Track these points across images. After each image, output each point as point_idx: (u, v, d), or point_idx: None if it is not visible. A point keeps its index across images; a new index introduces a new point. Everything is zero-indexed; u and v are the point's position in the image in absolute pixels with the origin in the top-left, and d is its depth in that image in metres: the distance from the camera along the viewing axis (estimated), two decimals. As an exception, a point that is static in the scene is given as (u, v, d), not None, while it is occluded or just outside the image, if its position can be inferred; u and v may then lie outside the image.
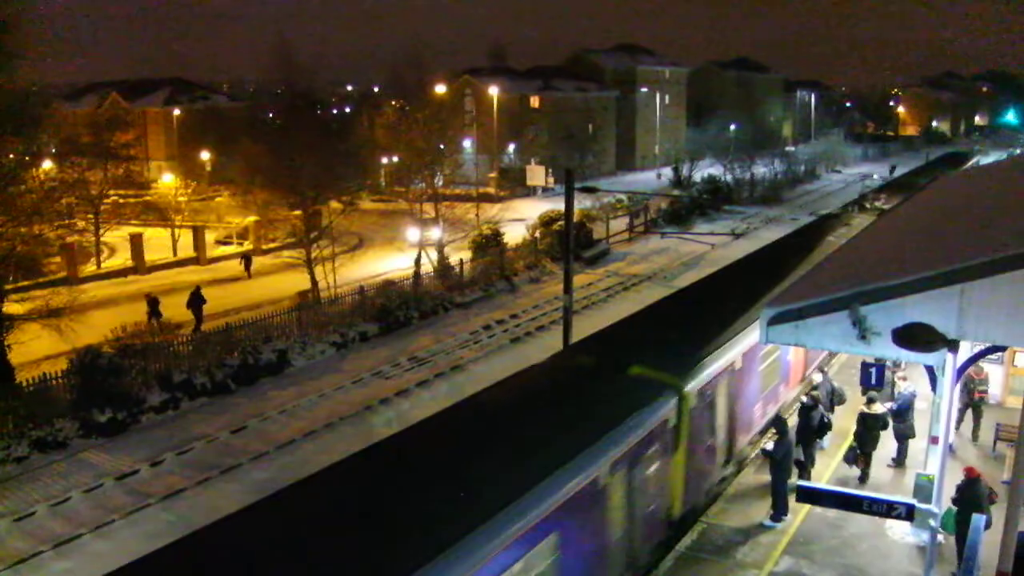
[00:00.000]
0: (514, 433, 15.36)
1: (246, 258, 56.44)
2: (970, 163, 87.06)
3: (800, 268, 27.13)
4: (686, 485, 18.44)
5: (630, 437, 15.73)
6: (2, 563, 21.41)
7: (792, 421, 22.24)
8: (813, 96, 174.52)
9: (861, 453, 21.76)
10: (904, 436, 22.50)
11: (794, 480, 20.33)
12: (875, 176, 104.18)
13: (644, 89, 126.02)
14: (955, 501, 17.63)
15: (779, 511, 20.23)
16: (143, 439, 29.20)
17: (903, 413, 22.37)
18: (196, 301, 41.22)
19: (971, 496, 17.25)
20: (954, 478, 17.93)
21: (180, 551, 12.23)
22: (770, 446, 20.81)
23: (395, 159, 58.09)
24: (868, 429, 21.52)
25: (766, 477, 21.20)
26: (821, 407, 22.05)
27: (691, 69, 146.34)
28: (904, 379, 24.05)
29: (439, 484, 13.35)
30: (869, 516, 16.16)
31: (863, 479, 21.75)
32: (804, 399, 22.49)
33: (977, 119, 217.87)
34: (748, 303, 23.31)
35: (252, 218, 60.11)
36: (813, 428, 21.57)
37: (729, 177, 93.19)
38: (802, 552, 18.74)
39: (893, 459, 22.75)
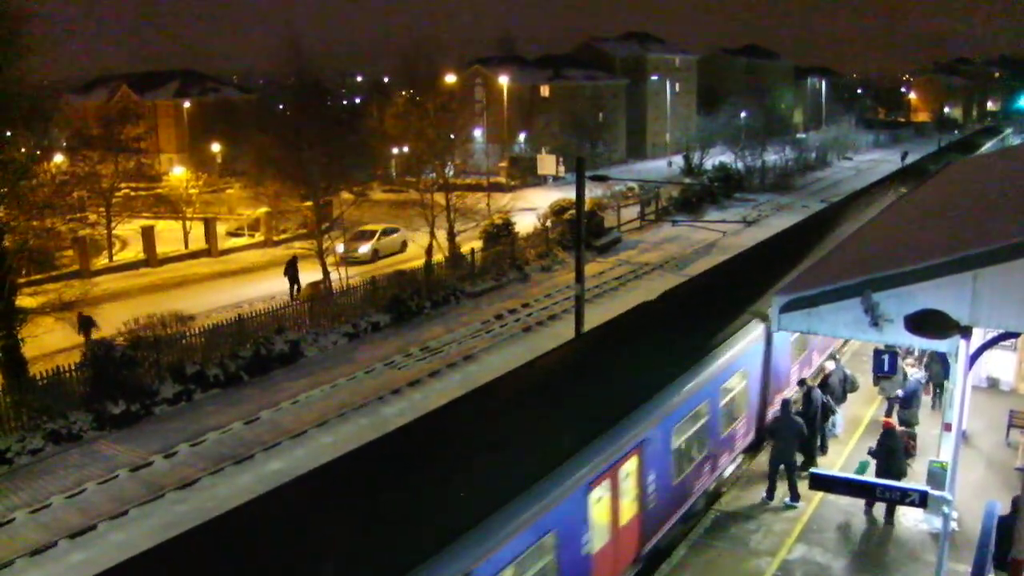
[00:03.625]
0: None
1: (85, 322, 35.76)
2: (1000, 136, 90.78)
3: (812, 255, 27.05)
4: None
5: None
6: (19, 553, 21.56)
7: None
8: (824, 83, 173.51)
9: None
10: (909, 423, 22.46)
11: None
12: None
13: (654, 77, 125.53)
14: (873, 453, 19.35)
15: (770, 493, 20.53)
16: (156, 431, 29.33)
17: (909, 400, 22.35)
18: (292, 270, 45.06)
19: (890, 446, 18.91)
20: (967, 465, 17.92)
21: (198, 539, 12.39)
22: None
23: (405, 149, 58.04)
24: None
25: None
26: (818, 390, 21.99)
27: (701, 56, 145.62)
28: (912, 365, 24.03)
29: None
30: (882, 503, 16.14)
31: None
32: (803, 384, 22.53)
33: (989, 104, 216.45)
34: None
35: (263, 209, 60.15)
36: (816, 411, 21.48)
37: (740, 165, 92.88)
38: (815, 540, 18.72)
39: None
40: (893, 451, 19.20)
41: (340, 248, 52.00)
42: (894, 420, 21.34)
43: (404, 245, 57.29)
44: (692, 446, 18.87)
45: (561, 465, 14.21)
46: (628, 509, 16.37)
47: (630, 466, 16.16)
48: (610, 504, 15.70)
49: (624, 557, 16.49)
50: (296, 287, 45.18)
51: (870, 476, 19.34)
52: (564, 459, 14.37)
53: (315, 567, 11.29)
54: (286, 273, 45.56)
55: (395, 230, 58.15)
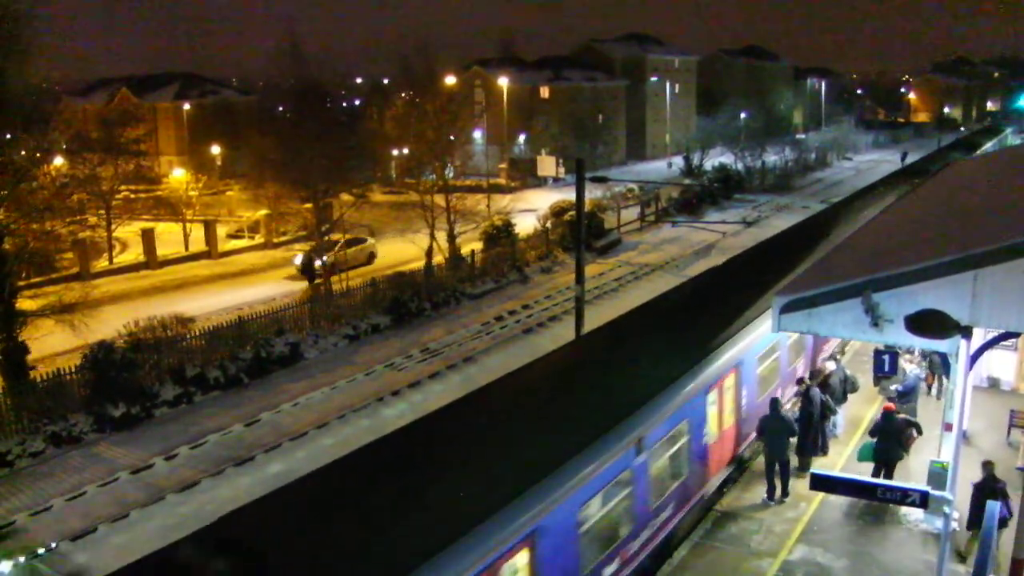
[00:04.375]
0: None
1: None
2: (1000, 136, 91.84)
3: (812, 255, 27.14)
4: None
5: None
6: (20, 556, 21.55)
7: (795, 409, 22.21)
8: (823, 83, 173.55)
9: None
10: (907, 418, 22.46)
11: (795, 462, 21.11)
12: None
13: (654, 78, 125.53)
14: (871, 432, 20.66)
15: (770, 493, 20.59)
16: (157, 433, 29.33)
17: (907, 395, 22.36)
18: (309, 266, 46.74)
19: (886, 429, 20.01)
20: (968, 465, 17.89)
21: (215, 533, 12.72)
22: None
23: (405, 151, 58.06)
24: None
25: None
26: (817, 389, 21.97)
27: (701, 58, 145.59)
28: (910, 362, 24.02)
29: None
30: (883, 503, 16.14)
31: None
32: (801, 383, 22.52)
33: (989, 105, 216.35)
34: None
35: (263, 212, 60.15)
36: (815, 410, 21.45)
37: (740, 165, 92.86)
38: (816, 540, 18.71)
39: None
40: (889, 434, 19.96)
41: (297, 259, 51.21)
42: (892, 404, 21.62)
43: (371, 257, 55.59)
44: (770, 373, 22.92)
45: (690, 370, 18.43)
46: (729, 416, 20.59)
47: (730, 381, 20.29)
48: (719, 408, 19.88)
49: (726, 455, 20.68)
50: (312, 282, 45.58)
51: (869, 474, 19.38)
52: (690, 367, 18.52)
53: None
54: (303, 270, 46.10)
55: (361, 240, 55.84)
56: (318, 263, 50.58)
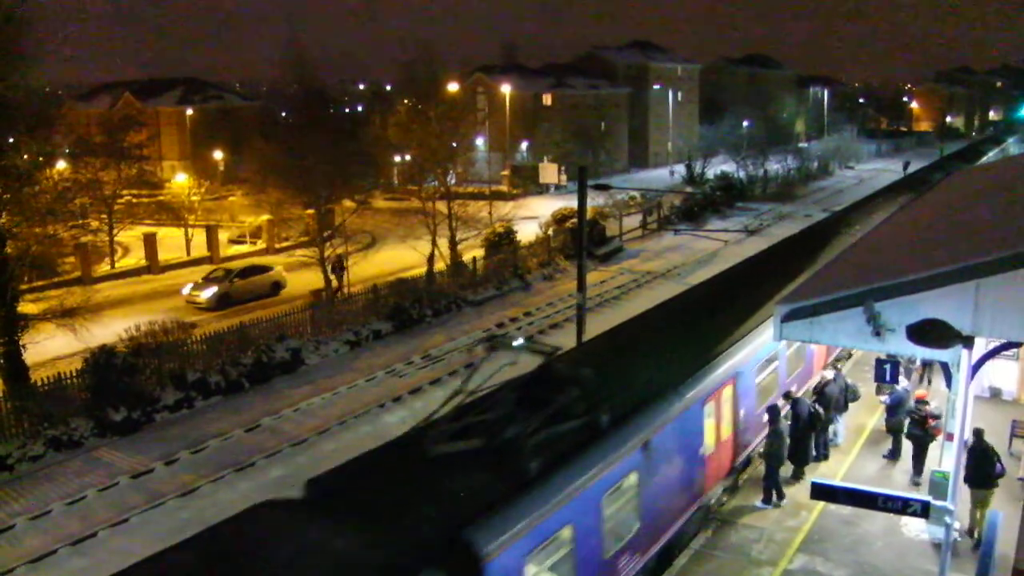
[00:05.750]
0: None
1: None
2: (1002, 146, 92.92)
3: (814, 264, 27.24)
4: None
5: None
6: (20, 560, 21.54)
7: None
8: (826, 92, 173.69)
9: None
10: (897, 430, 22.46)
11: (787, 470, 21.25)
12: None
13: (657, 86, 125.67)
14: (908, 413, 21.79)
15: (767, 498, 20.69)
16: (158, 438, 29.32)
17: (895, 408, 22.35)
18: (338, 268, 46.98)
19: (916, 418, 21.10)
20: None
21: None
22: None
23: (407, 158, 58.08)
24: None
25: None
26: (806, 401, 21.95)
27: (703, 66, 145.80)
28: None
29: None
30: (884, 513, 16.13)
31: None
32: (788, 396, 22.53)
33: (992, 114, 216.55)
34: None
35: (265, 217, 60.21)
36: (803, 421, 21.41)
37: (742, 174, 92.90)
38: (817, 550, 18.68)
39: (886, 454, 22.73)
40: (917, 422, 21.00)
41: (186, 290, 48.50)
42: (926, 392, 22.38)
43: (276, 287, 50.12)
44: None
45: None
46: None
47: None
48: None
49: (820, 362, 26.86)
50: (340, 284, 46.37)
51: (889, 472, 19.34)
52: None
53: None
54: (333, 271, 46.58)
55: (265, 269, 51.27)
56: (204, 295, 47.50)
